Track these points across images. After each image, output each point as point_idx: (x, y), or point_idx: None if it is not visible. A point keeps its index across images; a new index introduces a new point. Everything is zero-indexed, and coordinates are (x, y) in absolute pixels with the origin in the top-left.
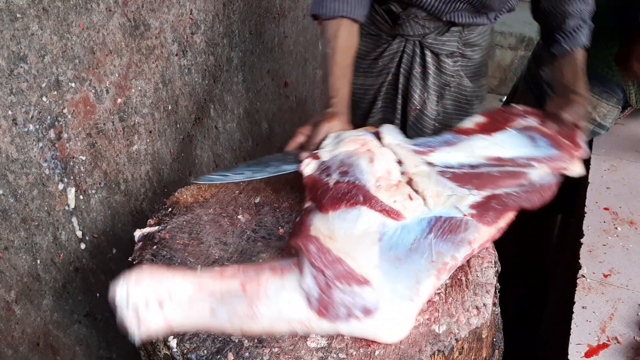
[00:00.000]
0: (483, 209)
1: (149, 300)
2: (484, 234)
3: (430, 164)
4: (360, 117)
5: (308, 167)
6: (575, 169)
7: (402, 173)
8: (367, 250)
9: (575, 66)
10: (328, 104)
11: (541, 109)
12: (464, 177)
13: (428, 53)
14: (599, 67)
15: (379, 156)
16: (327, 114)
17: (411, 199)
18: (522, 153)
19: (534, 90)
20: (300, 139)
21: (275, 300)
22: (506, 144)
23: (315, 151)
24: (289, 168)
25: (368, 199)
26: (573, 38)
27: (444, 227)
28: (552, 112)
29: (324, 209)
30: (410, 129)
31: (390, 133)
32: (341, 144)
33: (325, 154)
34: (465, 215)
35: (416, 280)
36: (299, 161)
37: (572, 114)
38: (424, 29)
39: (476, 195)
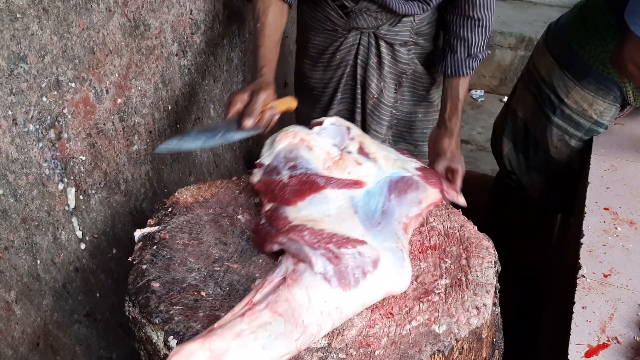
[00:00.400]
0: (426, 172)
1: None
2: (430, 195)
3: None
4: (320, 111)
5: (256, 175)
6: (460, 200)
7: (352, 139)
8: (351, 224)
9: (455, 98)
10: (259, 73)
11: (537, 112)
12: (400, 151)
13: (382, 43)
14: (594, 65)
15: (313, 142)
16: (262, 82)
17: (359, 163)
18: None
19: (532, 90)
20: (239, 106)
21: (310, 303)
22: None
23: (258, 160)
24: (236, 137)
25: (328, 181)
26: (457, 65)
27: (400, 186)
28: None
29: (291, 202)
30: (369, 116)
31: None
32: (276, 144)
33: (266, 159)
34: (412, 175)
35: (397, 236)
36: (242, 129)
37: (440, 166)
38: (377, 20)
39: (416, 163)
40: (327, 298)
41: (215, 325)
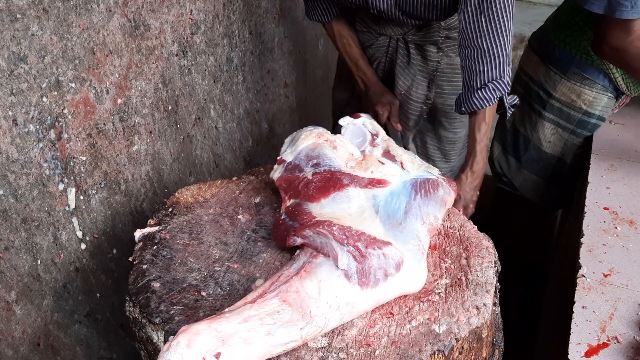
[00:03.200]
0: (447, 180)
1: (207, 357)
2: (452, 198)
3: None
4: (354, 95)
5: (276, 172)
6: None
7: (376, 145)
8: (372, 224)
9: (472, 138)
10: (380, 87)
11: (526, 110)
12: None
13: (411, 45)
14: (577, 54)
15: (338, 142)
16: (392, 97)
17: (383, 163)
18: None
19: (519, 91)
20: (385, 114)
21: (320, 296)
22: None
23: (279, 156)
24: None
25: (351, 180)
26: (468, 100)
27: (426, 187)
28: None
29: (315, 199)
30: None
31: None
32: (299, 142)
33: (288, 155)
34: (438, 177)
35: (419, 238)
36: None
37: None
38: (403, 28)
39: (438, 171)
40: (339, 293)
41: (226, 309)
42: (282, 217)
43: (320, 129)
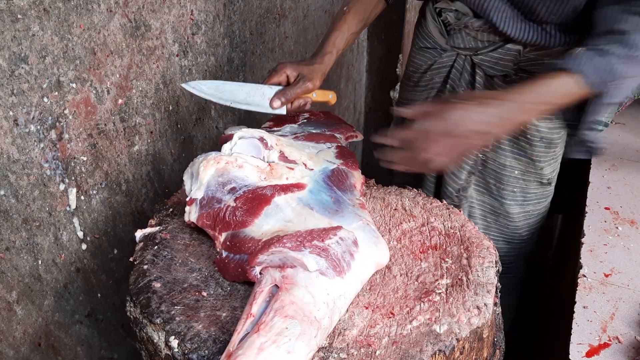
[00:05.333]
0: (343, 157)
1: None
2: (357, 176)
3: (282, 136)
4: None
5: (191, 214)
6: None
7: (271, 148)
8: (314, 220)
9: (532, 83)
10: (319, 58)
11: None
12: (312, 137)
13: (479, 72)
14: None
15: (240, 160)
16: (315, 69)
17: (291, 169)
18: (322, 129)
19: None
20: (282, 78)
21: (315, 299)
22: (309, 127)
23: (187, 197)
24: (260, 109)
25: (274, 190)
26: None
27: (335, 179)
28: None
29: (249, 223)
30: None
31: (235, 130)
32: (201, 175)
33: (197, 193)
34: (338, 165)
35: (360, 215)
36: (270, 106)
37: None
38: (477, 42)
39: (331, 147)
40: (328, 290)
41: (231, 348)
42: (224, 255)
43: (213, 154)
